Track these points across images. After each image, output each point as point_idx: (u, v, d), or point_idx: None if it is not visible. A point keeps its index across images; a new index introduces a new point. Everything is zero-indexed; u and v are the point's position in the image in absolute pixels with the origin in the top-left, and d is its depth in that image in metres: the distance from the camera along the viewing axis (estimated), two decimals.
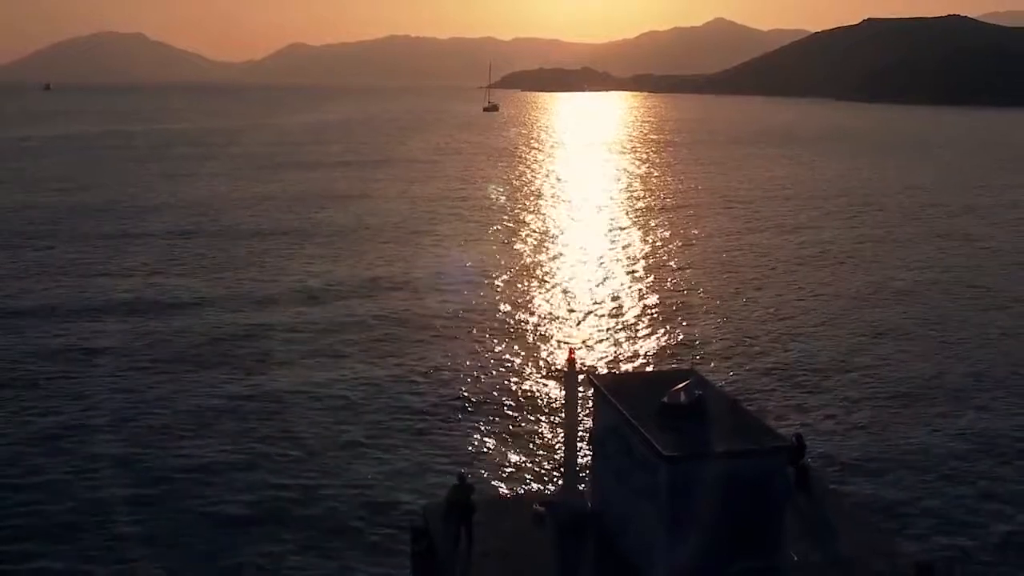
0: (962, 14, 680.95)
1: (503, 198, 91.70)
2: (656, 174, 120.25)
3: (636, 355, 39.38)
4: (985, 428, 31.51)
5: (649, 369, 36.74)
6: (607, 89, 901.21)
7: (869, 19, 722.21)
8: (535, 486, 26.13)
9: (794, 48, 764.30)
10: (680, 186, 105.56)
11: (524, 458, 28.17)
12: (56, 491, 25.53)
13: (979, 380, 36.76)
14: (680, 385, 18.04)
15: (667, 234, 70.58)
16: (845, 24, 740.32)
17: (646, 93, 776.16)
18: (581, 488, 20.14)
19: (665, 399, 17.62)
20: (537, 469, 27.38)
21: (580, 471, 20.33)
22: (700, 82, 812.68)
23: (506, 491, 25.58)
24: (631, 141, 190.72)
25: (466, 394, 33.81)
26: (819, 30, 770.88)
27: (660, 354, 39.42)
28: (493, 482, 26.26)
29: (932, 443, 29.92)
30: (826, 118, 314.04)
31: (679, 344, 40.74)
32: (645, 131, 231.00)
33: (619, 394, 18.25)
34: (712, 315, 45.86)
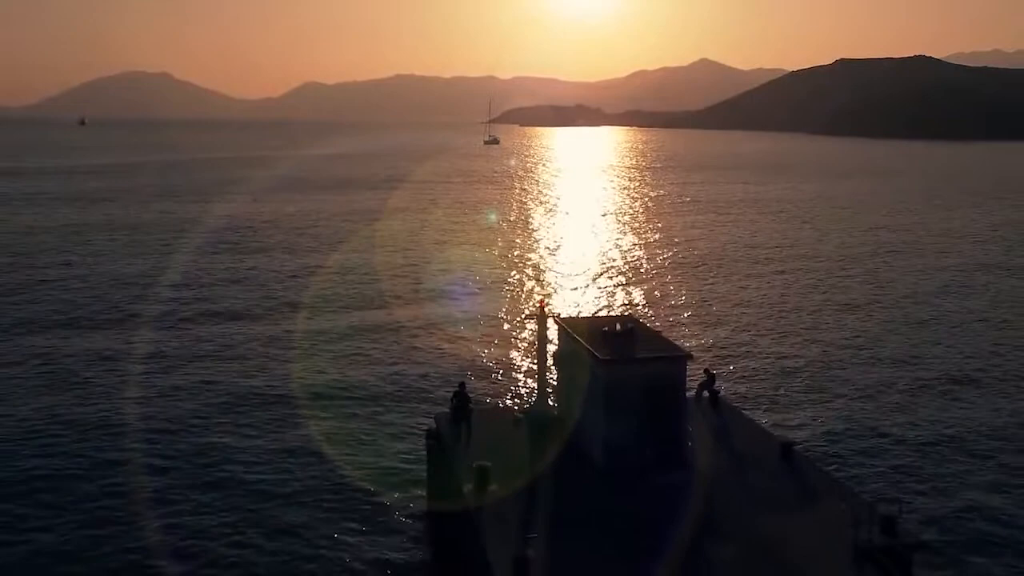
0: (928, 55, 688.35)
1: (501, 208, 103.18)
2: (634, 190, 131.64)
3: (590, 305, 51.35)
4: (859, 340, 42.33)
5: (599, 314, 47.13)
6: (600, 124, 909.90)
7: (842, 59, 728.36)
8: (516, 399, 33.13)
9: (773, 86, 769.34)
10: (654, 197, 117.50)
11: (508, 379, 36.40)
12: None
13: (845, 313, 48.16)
14: (617, 321, 24.07)
15: (631, 230, 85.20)
16: (820, 64, 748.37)
17: (636, 128, 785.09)
18: (549, 402, 25.90)
19: (605, 329, 23.52)
20: (517, 387, 35.36)
21: (548, 388, 26.02)
22: (686, 118, 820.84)
23: (495, 403, 32.64)
24: (619, 168, 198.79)
25: (465, 334, 42.97)
26: (796, 69, 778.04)
27: (608, 306, 51.03)
28: (485, 396, 33.15)
29: (811, 358, 39.49)
30: (798, 149, 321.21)
31: (624, 301, 52.84)
32: (632, 160, 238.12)
33: (575, 328, 24.21)
34: (650, 282, 57.99)
